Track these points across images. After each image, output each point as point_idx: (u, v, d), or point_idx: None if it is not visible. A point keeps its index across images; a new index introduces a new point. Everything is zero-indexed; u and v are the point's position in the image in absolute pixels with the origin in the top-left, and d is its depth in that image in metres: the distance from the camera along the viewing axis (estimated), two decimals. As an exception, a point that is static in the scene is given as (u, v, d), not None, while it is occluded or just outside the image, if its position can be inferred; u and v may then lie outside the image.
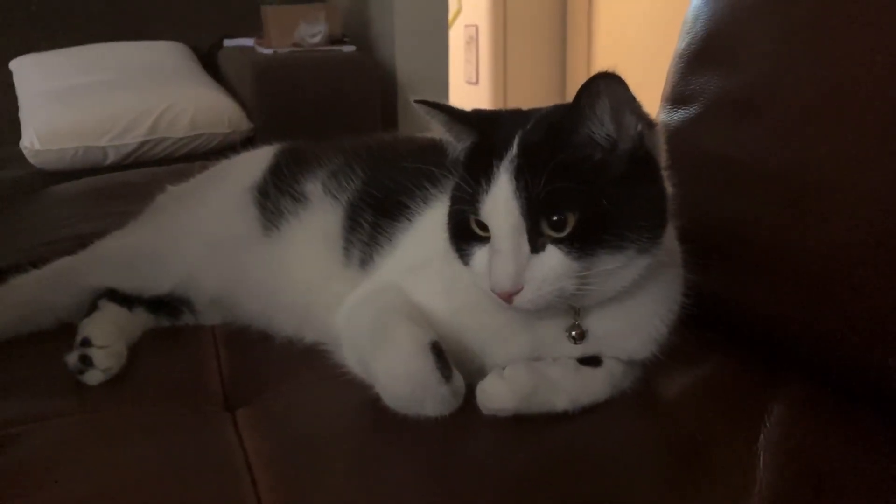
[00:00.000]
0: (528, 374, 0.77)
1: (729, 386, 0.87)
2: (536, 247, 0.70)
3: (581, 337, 0.79)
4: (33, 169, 2.34)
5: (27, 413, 0.83)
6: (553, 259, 0.70)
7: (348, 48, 2.80)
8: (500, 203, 0.71)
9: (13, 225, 1.58)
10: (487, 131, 0.77)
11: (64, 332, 0.98)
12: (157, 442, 0.78)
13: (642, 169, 0.73)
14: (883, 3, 0.83)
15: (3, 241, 1.44)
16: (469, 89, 4.07)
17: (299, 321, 0.98)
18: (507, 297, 0.71)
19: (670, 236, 0.81)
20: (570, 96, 0.72)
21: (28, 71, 2.71)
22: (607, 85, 0.68)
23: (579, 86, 0.69)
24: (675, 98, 1.09)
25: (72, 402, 0.87)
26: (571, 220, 0.69)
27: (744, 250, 0.93)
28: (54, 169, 2.32)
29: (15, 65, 2.75)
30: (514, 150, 0.72)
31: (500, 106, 2.99)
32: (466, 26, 4.05)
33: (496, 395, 0.76)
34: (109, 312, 1.00)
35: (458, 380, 0.76)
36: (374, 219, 0.95)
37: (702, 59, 1.07)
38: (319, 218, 1.00)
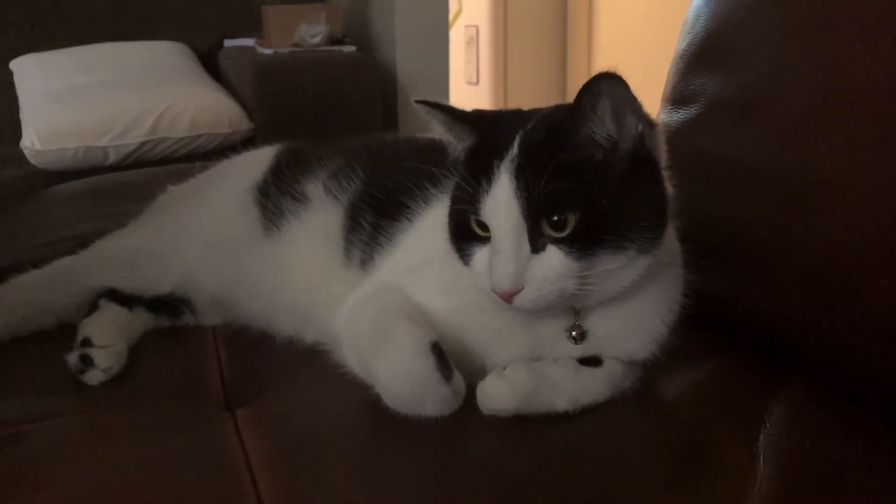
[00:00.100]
0: (528, 375, 0.77)
1: (729, 386, 0.87)
2: (537, 247, 0.70)
3: (581, 337, 0.79)
4: (34, 169, 2.35)
5: (27, 413, 0.83)
6: (553, 259, 0.70)
7: (349, 48, 2.80)
8: (501, 203, 0.71)
9: (13, 225, 1.58)
10: (488, 131, 0.77)
11: (64, 332, 0.98)
12: (157, 442, 0.78)
13: (643, 169, 0.73)
14: (883, 3, 0.83)
15: (3, 241, 1.44)
16: (469, 90, 4.07)
17: (299, 321, 0.98)
18: (508, 298, 0.71)
19: (671, 236, 0.81)
20: (570, 97, 0.72)
21: (28, 71, 2.72)
22: (608, 85, 0.68)
23: (580, 86, 0.69)
24: (676, 98, 1.09)
25: (72, 402, 0.87)
26: (572, 220, 0.69)
27: (744, 250, 0.93)
28: (55, 169, 2.32)
29: (15, 65, 2.75)
30: (514, 150, 0.72)
31: (500, 106, 2.99)
32: (467, 27, 4.05)
33: (497, 395, 0.76)
34: (110, 312, 1.00)
35: (459, 380, 0.76)
36: (374, 219, 0.95)
37: (702, 59, 1.07)
38: (320, 218, 1.00)
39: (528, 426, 0.76)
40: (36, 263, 1.08)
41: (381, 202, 0.96)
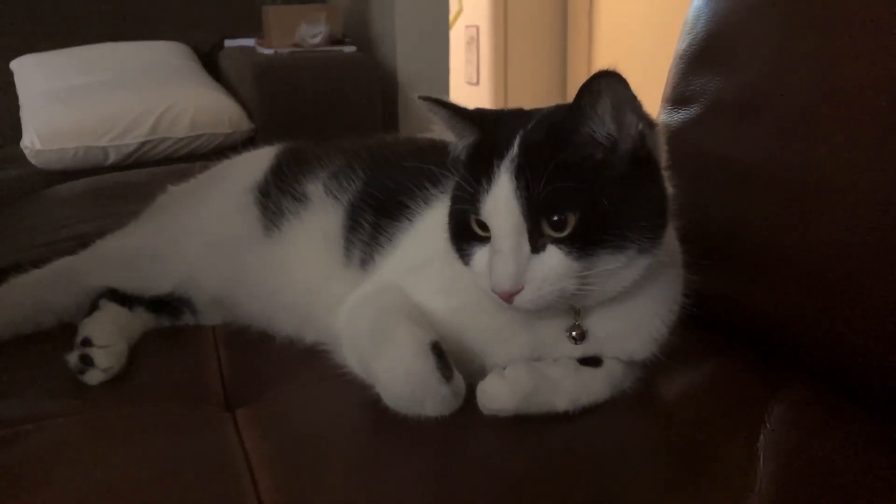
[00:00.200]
0: (528, 375, 0.77)
1: (729, 386, 0.87)
2: (537, 247, 0.70)
3: (581, 337, 0.79)
4: (34, 169, 2.34)
5: (27, 413, 0.83)
6: (553, 259, 0.70)
7: (349, 49, 2.80)
8: (501, 203, 0.71)
9: (13, 225, 1.58)
10: (489, 130, 0.77)
11: (64, 332, 0.98)
12: (157, 442, 0.78)
13: (643, 169, 0.73)
14: (883, 4, 0.83)
15: (3, 241, 1.44)
16: (470, 90, 4.07)
17: (300, 321, 0.98)
18: (508, 298, 0.71)
19: (671, 236, 0.81)
20: (570, 97, 0.72)
21: (29, 71, 2.71)
22: (608, 83, 0.68)
23: (580, 87, 0.69)
24: (676, 99, 1.09)
25: (72, 402, 0.87)
26: (572, 220, 0.69)
27: (744, 250, 0.93)
28: (55, 169, 2.32)
29: (16, 65, 2.75)
30: (514, 149, 0.72)
31: (500, 107, 2.99)
32: (467, 27, 4.05)
33: (497, 395, 0.76)
34: (110, 312, 1.00)
35: (459, 380, 0.76)
36: (374, 219, 0.95)
37: (702, 59, 1.07)
38: (320, 218, 1.00)
39: (528, 426, 0.76)
40: (36, 263, 1.08)
41: (381, 202, 0.96)
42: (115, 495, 0.69)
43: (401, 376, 0.74)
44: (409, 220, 0.92)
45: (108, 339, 0.92)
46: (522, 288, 0.70)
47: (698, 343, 0.91)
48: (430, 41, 2.86)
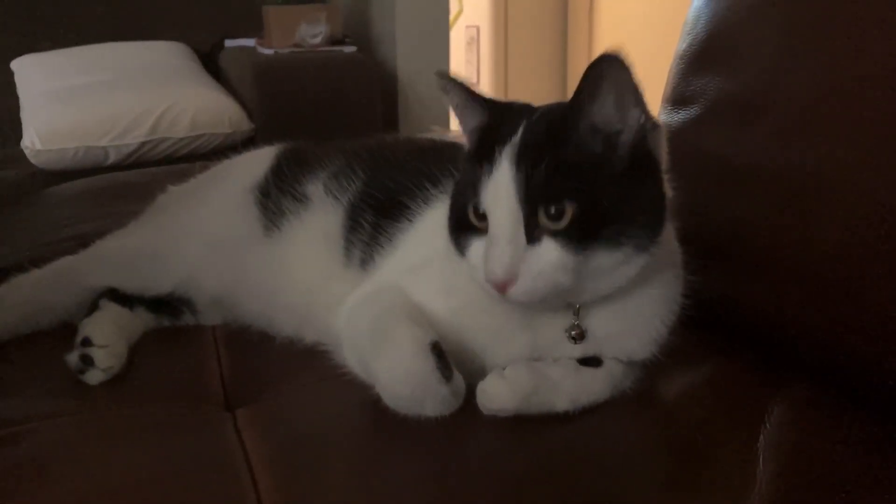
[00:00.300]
0: (528, 375, 0.77)
1: (729, 386, 0.87)
2: (533, 237, 0.70)
3: (581, 337, 0.79)
4: (34, 169, 2.35)
5: (27, 413, 0.83)
6: (549, 251, 0.70)
7: (349, 49, 2.80)
8: (500, 189, 0.71)
9: (14, 225, 1.58)
10: (496, 115, 0.77)
11: (64, 332, 0.98)
12: (157, 442, 0.78)
13: (643, 168, 0.73)
14: (883, 4, 0.83)
15: (3, 241, 1.44)
16: (470, 90, 4.07)
17: (300, 321, 0.98)
18: (502, 287, 0.70)
19: (670, 237, 0.81)
20: (570, 97, 0.73)
21: (29, 71, 2.72)
22: (611, 66, 0.68)
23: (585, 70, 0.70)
24: (676, 99, 1.09)
25: (72, 402, 0.87)
26: (570, 212, 0.69)
27: (744, 251, 0.93)
28: (55, 169, 2.32)
29: (16, 65, 2.75)
30: (518, 137, 0.72)
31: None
32: (467, 27, 4.05)
33: (497, 395, 0.76)
34: (110, 312, 1.00)
35: (459, 380, 0.76)
36: (374, 219, 0.95)
37: (703, 60, 1.07)
38: (320, 218, 1.00)
39: (528, 426, 0.76)
40: (36, 263, 1.08)
41: (381, 202, 0.96)
42: (115, 495, 0.69)
43: (401, 376, 0.74)
44: (409, 220, 0.92)
45: (108, 338, 0.92)
46: (516, 279, 0.70)
47: (698, 343, 0.91)
48: (431, 41, 2.86)
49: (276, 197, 1.04)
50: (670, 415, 0.83)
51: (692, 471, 0.72)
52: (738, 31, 1.02)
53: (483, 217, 0.73)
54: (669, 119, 1.08)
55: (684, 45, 1.10)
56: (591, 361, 0.80)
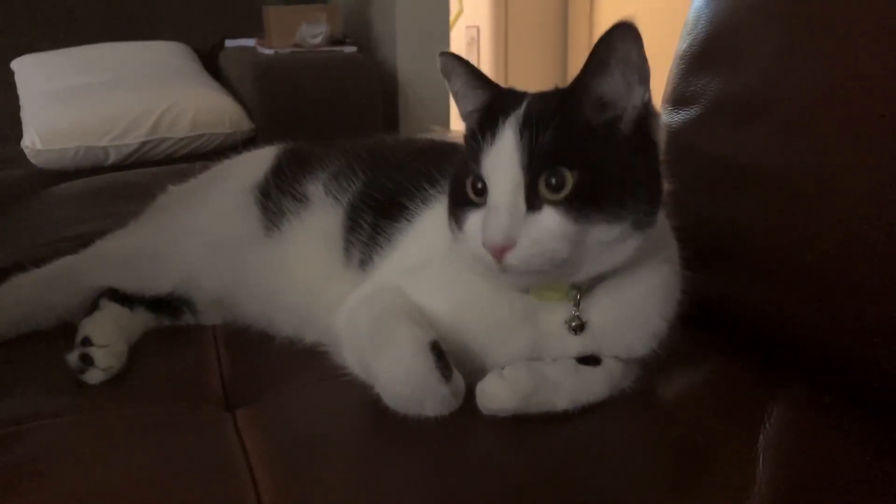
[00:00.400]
0: (528, 374, 0.77)
1: (729, 386, 0.87)
2: (533, 205, 0.71)
3: (581, 328, 0.79)
4: (34, 169, 2.35)
5: (27, 413, 0.83)
6: (549, 219, 0.70)
7: (349, 49, 2.80)
8: (503, 155, 0.72)
9: (14, 225, 1.58)
10: (500, 95, 0.78)
11: (64, 332, 0.98)
12: (157, 442, 0.78)
13: (644, 147, 0.74)
14: (883, 4, 0.83)
15: (3, 241, 1.44)
16: (470, 90, 4.07)
17: (299, 321, 0.98)
18: (499, 252, 0.70)
19: (667, 231, 0.82)
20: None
21: (29, 71, 2.72)
22: (625, 35, 0.69)
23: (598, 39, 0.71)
24: (676, 99, 1.09)
25: (72, 402, 0.87)
26: (570, 181, 0.69)
27: (744, 251, 0.93)
28: (55, 169, 2.32)
29: (16, 64, 2.75)
30: (521, 108, 0.73)
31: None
32: (468, 27, 4.05)
33: (496, 395, 0.76)
34: (110, 312, 1.00)
35: (459, 380, 0.76)
36: (374, 219, 0.95)
37: (703, 60, 1.07)
38: (320, 218, 1.00)
39: (527, 426, 0.76)
40: (36, 263, 1.08)
41: (380, 203, 0.96)
42: (115, 495, 0.69)
43: (401, 376, 0.74)
44: (409, 220, 0.92)
45: (108, 338, 0.92)
46: (514, 245, 0.70)
47: (698, 343, 0.91)
48: (431, 42, 2.86)
49: (277, 197, 1.04)
50: (670, 415, 0.83)
51: (692, 471, 0.72)
52: (738, 32, 1.03)
53: (481, 192, 0.73)
54: (669, 119, 1.08)
55: (684, 46, 1.10)
56: (589, 361, 0.80)
